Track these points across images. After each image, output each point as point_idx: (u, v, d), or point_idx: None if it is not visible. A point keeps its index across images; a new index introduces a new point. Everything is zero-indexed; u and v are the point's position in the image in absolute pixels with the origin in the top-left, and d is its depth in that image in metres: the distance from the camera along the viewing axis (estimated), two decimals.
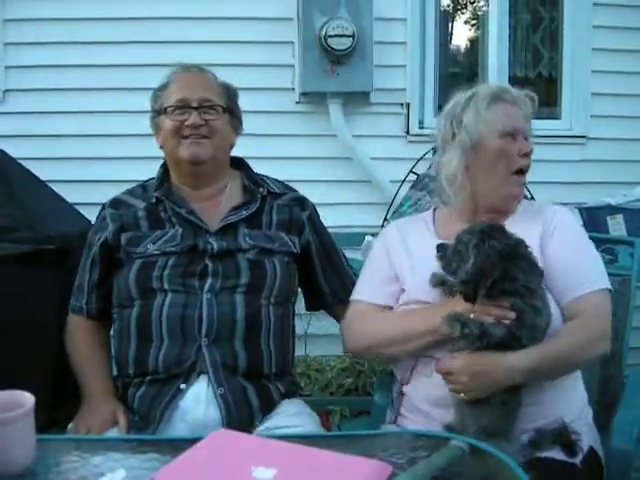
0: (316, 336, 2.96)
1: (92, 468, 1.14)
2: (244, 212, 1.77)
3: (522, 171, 1.65)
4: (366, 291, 1.73)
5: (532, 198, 2.44)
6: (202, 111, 1.75)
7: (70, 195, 2.63)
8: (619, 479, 1.60)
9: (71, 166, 3.21)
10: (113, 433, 1.58)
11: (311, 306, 1.98)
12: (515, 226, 1.57)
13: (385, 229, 1.82)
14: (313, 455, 1.03)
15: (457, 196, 1.67)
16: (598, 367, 1.87)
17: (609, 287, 1.60)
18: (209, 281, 1.67)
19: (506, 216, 1.68)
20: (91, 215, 1.94)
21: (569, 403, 1.60)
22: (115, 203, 1.83)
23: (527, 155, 1.64)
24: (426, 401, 1.59)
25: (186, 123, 1.73)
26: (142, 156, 1.99)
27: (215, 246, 1.70)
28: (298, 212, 1.84)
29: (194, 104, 1.75)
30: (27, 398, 1.18)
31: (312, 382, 3.05)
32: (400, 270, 1.70)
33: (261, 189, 1.83)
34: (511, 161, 1.62)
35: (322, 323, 2.62)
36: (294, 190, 1.90)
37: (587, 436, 1.56)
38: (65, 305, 1.87)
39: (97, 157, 3.24)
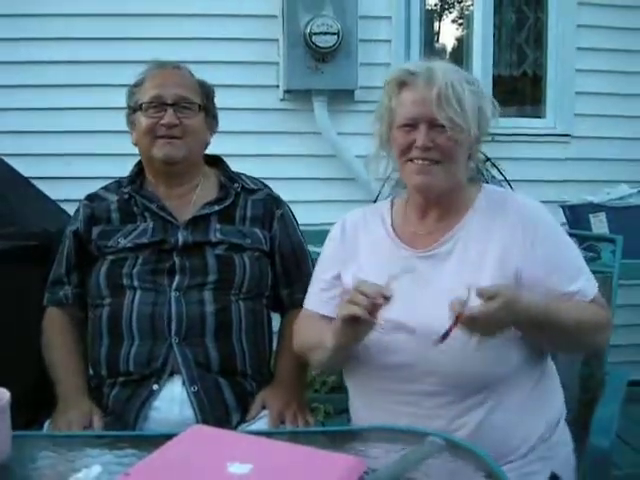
0: None
1: (68, 464, 1.14)
2: (216, 207, 1.77)
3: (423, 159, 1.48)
4: (311, 299, 1.65)
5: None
6: (177, 109, 1.73)
7: (53, 192, 2.61)
8: (599, 477, 1.61)
9: (54, 163, 3.19)
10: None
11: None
12: (474, 226, 1.52)
13: (336, 225, 1.67)
14: (289, 450, 1.03)
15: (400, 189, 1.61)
16: (579, 365, 1.88)
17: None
18: (177, 278, 1.67)
19: (461, 212, 1.55)
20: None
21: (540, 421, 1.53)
22: (90, 197, 1.84)
23: (425, 149, 1.46)
24: None
25: (161, 122, 1.72)
26: (126, 153, 1.98)
27: (180, 239, 1.70)
28: (272, 208, 1.83)
29: (169, 101, 1.73)
30: (2, 393, 1.17)
31: None
32: (343, 270, 1.60)
33: (236, 184, 1.83)
34: (407, 153, 1.49)
35: None
36: (270, 188, 1.89)
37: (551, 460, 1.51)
38: (41, 302, 1.86)
39: (81, 154, 3.22)
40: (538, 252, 1.47)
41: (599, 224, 2.78)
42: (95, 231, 1.75)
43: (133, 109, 1.79)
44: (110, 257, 1.71)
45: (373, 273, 1.45)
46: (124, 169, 1.89)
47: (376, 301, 1.31)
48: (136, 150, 1.85)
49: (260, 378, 1.73)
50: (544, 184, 3.33)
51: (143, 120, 1.75)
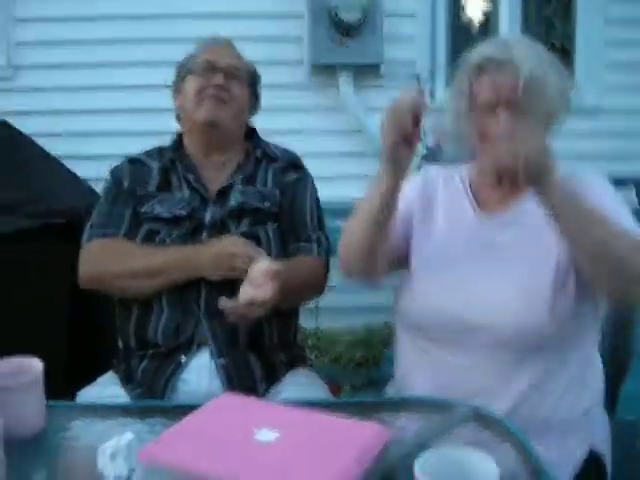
0: (327, 309, 2.97)
1: (100, 433, 1.16)
2: (240, 174, 1.79)
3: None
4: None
5: None
6: (228, 76, 1.77)
7: (79, 170, 2.64)
8: (625, 450, 1.60)
9: (79, 141, 3.23)
10: None
11: None
12: (530, 205, 1.48)
13: (414, 178, 1.67)
14: (316, 419, 1.04)
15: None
16: (608, 336, 1.86)
17: None
18: None
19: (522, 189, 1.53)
20: (99, 189, 1.94)
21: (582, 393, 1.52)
22: (132, 160, 1.85)
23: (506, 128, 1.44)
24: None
25: (212, 83, 1.75)
26: (149, 130, 2.01)
27: (209, 216, 1.72)
28: (290, 173, 1.84)
29: (221, 66, 1.78)
30: (36, 364, 1.20)
31: (323, 355, 3.07)
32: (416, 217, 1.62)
33: (257, 150, 1.84)
34: (487, 136, 1.49)
35: (333, 296, 2.63)
36: (297, 157, 1.89)
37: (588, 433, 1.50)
38: (74, 275, 1.86)
39: (104, 132, 3.25)
40: None
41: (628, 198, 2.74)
42: (135, 195, 1.77)
43: (182, 76, 1.82)
44: (145, 226, 1.72)
45: (446, 228, 1.54)
46: (146, 147, 1.91)
47: (417, 111, 1.34)
48: (159, 127, 1.86)
49: (288, 350, 1.75)
50: (574, 157, 3.28)
51: (193, 81, 1.78)
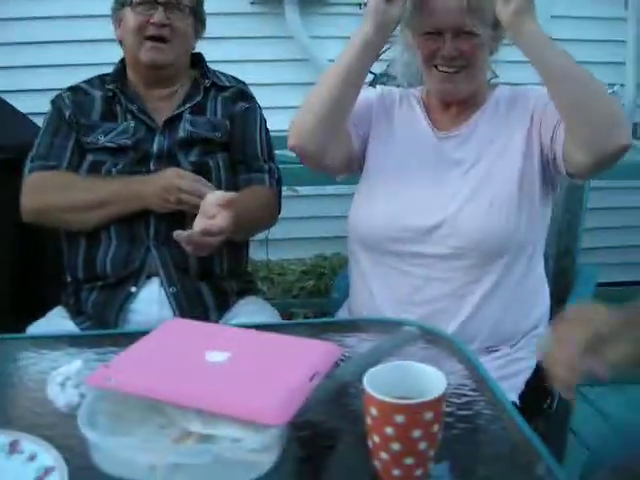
0: (277, 240, 2.97)
1: (49, 363, 1.16)
2: (188, 104, 1.75)
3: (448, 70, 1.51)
4: None
5: None
6: (168, 8, 1.68)
7: (19, 104, 2.55)
8: None
9: (20, 74, 3.11)
10: None
11: None
12: (484, 122, 1.56)
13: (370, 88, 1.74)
14: (267, 339, 1.06)
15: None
16: (552, 260, 1.91)
17: None
18: None
19: (474, 108, 1.59)
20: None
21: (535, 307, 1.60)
22: (73, 88, 1.79)
23: (452, 58, 1.49)
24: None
25: (151, 21, 1.67)
26: (92, 62, 1.95)
27: (156, 146, 1.69)
28: (239, 102, 1.80)
29: (161, 0, 1.68)
30: None
31: (274, 286, 3.09)
32: (374, 127, 1.65)
33: (206, 81, 1.80)
34: (431, 59, 1.51)
35: (283, 227, 2.63)
36: (245, 85, 1.86)
37: None
38: (19, 212, 1.82)
39: (45, 65, 3.13)
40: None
41: None
42: (77, 125, 1.72)
43: (121, 3, 1.73)
44: (90, 157, 1.69)
45: (405, 144, 1.57)
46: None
47: None
48: (96, 59, 1.79)
49: (239, 279, 1.75)
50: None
51: (131, 17, 1.69)
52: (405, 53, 1.64)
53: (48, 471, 0.86)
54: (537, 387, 1.47)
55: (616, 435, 1.35)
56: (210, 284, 1.67)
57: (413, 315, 1.46)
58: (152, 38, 1.68)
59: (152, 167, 1.67)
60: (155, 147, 1.69)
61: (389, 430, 0.82)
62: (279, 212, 1.82)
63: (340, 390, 1.04)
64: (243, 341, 1.05)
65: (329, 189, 3.06)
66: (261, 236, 2.49)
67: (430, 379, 0.87)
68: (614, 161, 1.40)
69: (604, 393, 2.64)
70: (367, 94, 1.66)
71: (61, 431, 0.94)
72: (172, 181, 1.58)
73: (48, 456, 0.88)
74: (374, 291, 1.56)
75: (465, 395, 1.07)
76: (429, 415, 0.82)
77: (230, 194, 1.48)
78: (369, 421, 0.85)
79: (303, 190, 2.87)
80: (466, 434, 0.97)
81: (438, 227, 1.49)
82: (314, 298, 3.08)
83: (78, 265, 1.68)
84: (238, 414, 0.85)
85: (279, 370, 0.95)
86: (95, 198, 1.63)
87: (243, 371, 0.95)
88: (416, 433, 0.82)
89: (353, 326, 1.33)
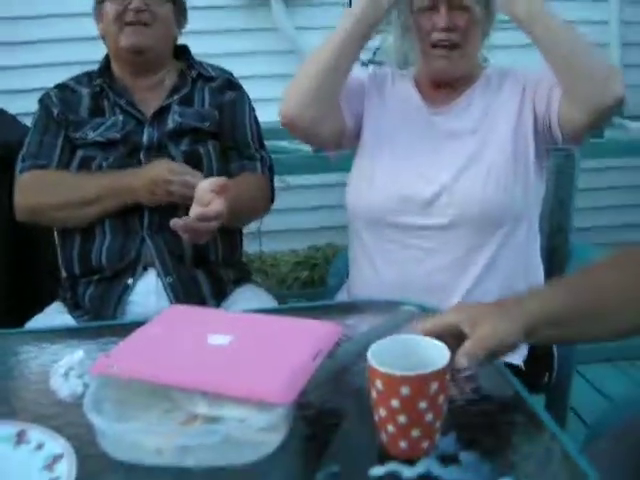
0: (269, 232, 2.98)
1: (50, 356, 1.16)
2: (175, 95, 1.76)
3: (444, 45, 1.54)
4: None
5: None
6: None
7: (10, 105, 2.54)
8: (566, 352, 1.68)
9: (5, 74, 3.10)
10: None
11: None
12: (476, 97, 1.59)
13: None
14: (268, 321, 1.06)
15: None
16: (545, 238, 1.92)
17: None
18: None
19: (465, 88, 1.62)
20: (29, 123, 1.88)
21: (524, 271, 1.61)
22: (60, 87, 1.79)
23: (446, 29, 1.52)
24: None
25: (129, 7, 1.67)
26: (78, 60, 1.95)
27: (145, 138, 1.69)
28: (226, 92, 1.81)
29: None
30: None
31: (268, 277, 3.09)
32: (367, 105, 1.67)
33: (192, 72, 1.80)
34: (427, 36, 1.54)
35: (275, 219, 2.63)
36: (231, 75, 1.86)
37: None
38: (11, 211, 1.82)
39: (30, 65, 3.12)
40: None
41: None
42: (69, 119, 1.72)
43: (100, 0, 1.74)
44: (80, 153, 1.69)
45: (398, 119, 1.59)
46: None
47: None
48: (82, 57, 1.79)
49: (234, 268, 1.76)
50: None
51: (110, 7, 1.70)
52: (397, 37, 1.65)
53: (56, 459, 0.86)
54: (537, 360, 1.50)
55: (615, 409, 1.36)
56: (206, 272, 1.67)
57: (416, 288, 1.48)
58: (132, 23, 1.69)
59: (142, 159, 1.67)
60: (145, 139, 1.69)
61: (395, 402, 0.83)
62: (272, 199, 1.83)
63: (342, 370, 1.05)
64: (244, 324, 1.05)
65: (320, 180, 3.07)
66: (254, 228, 2.50)
67: (433, 351, 0.88)
68: (610, 115, 1.47)
69: (603, 373, 2.67)
70: (358, 73, 1.68)
71: (66, 420, 0.94)
72: (160, 174, 1.58)
73: (56, 444, 0.88)
74: (377, 266, 1.59)
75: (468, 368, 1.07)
76: (434, 386, 0.83)
77: (223, 179, 1.48)
78: (374, 395, 0.85)
79: (294, 180, 2.88)
80: (471, 406, 0.98)
81: (436, 197, 1.52)
82: (308, 288, 3.08)
83: (73, 260, 1.68)
84: (244, 394, 0.86)
85: (282, 350, 0.95)
86: (87, 195, 1.63)
87: (246, 353, 0.95)
88: (422, 404, 0.83)
89: (352, 308, 1.34)
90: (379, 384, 0.84)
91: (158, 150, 1.68)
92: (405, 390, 0.82)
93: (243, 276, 1.79)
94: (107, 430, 0.86)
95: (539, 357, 1.53)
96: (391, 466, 0.84)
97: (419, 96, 1.64)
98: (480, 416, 0.96)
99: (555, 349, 1.62)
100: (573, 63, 1.41)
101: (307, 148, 2.51)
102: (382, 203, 1.56)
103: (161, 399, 0.93)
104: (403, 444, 0.85)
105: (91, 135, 1.69)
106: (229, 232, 1.71)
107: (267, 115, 1.89)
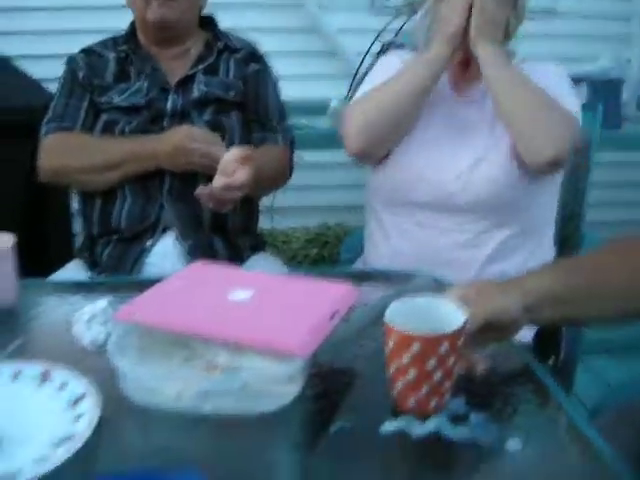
0: (281, 209, 3.00)
1: (72, 306, 1.18)
2: (200, 65, 1.78)
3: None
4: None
5: None
6: None
7: (33, 70, 2.58)
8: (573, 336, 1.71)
9: (32, 40, 3.11)
10: None
11: None
12: None
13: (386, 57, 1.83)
14: (287, 281, 1.09)
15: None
16: (557, 226, 1.94)
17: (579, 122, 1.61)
18: None
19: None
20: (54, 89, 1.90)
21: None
22: (87, 51, 1.81)
23: None
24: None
25: None
26: (103, 28, 1.96)
27: (170, 105, 1.71)
28: (251, 63, 1.83)
29: None
30: (7, 238, 1.20)
31: (279, 253, 3.11)
32: None
33: (219, 43, 1.82)
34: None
35: (287, 195, 2.65)
36: (253, 45, 1.88)
37: None
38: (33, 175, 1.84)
39: (57, 31, 3.13)
40: None
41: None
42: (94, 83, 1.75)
43: None
44: (104, 117, 1.71)
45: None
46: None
47: None
48: (108, 25, 1.84)
49: (250, 236, 1.79)
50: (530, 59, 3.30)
51: None
52: (426, 19, 1.65)
53: (80, 398, 0.89)
54: (544, 342, 1.52)
55: (614, 392, 1.39)
56: (223, 239, 1.70)
57: (431, 263, 1.51)
58: None
59: (165, 126, 1.69)
60: (169, 106, 1.71)
61: (405, 358, 0.86)
62: (291, 172, 1.85)
63: (356, 333, 1.08)
64: (264, 283, 1.08)
65: (335, 158, 3.07)
66: (266, 203, 2.52)
67: (449, 314, 0.91)
68: (552, 169, 1.55)
69: (608, 363, 2.69)
70: (392, 60, 1.71)
71: (88, 366, 0.96)
72: (184, 142, 1.59)
73: (79, 384, 0.91)
74: (393, 241, 1.63)
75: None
76: (445, 346, 0.86)
77: (248, 149, 1.51)
78: (387, 351, 0.88)
79: (309, 157, 2.89)
80: (486, 379, 0.99)
81: (455, 180, 1.56)
82: (318, 266, 3.10)
83: (93, 221, 1.71)
84: (264, 345, 0.89)
85: (301, 308, 0.98)
86: (110, 159, 1.65)
87: (266, 308, 0.98)
88: (431, 362, 0.86)
89: (367, 276, 1.36)
90: (391, 342, 0.87)
91: (181, 118, 1.70)
92: (415, 347, 0.85)
93: (259, 245, 1.82)
94: (129, 373, 0.90)
95: (546, 339, 1.55)
96: (402, 423, 0.87)
97: (445, 80, 1.66)
98: (489, 385, 0.98)
99: (564, 332, 1.65)
100: (512, 120, 1.51)
101: (323, 124, 2.54)
102: (402, 183, 1.60)
103: (182, 348, 0.96)
104: (412, 400, 0.88)
105: (116, 100, 1.71)
106: (247, 201, 1.73)
107: (286, 92, 1.91)
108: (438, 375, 0.87)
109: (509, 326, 0.98)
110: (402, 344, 0.86)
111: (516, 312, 0.96)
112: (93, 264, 1.69)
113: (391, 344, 0.88)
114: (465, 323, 0.89)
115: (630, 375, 2.58)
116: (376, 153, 1.62)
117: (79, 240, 1.81)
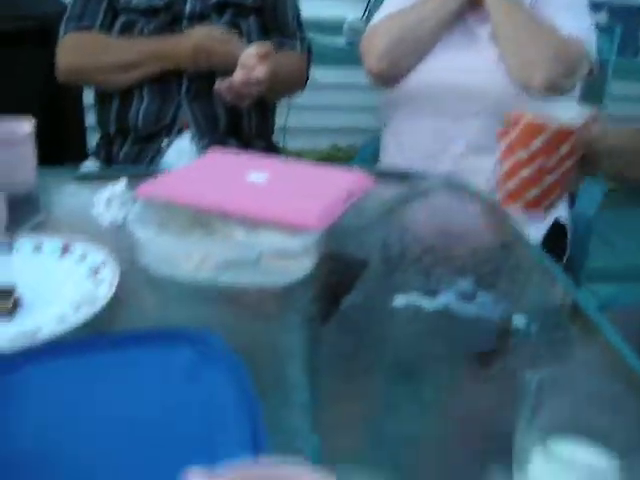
0: (294, 129, 2.99)
1: (91, 191, 1.20)
2: None
3: None
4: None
5: None
6: None
7: None
8: (580, 243, 1.73)
9: None
10: None
11: None
12: None
13: None
14: (302, 166, 1.11)
15: None
16: None
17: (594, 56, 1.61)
18: None
19: None
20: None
21: None
22: None
23: None
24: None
25: None
26: None
27: (188, 7, 1.70)
28: None
29: None
30: (27, 124, 1.22)
31: None
32: None
33: None
34: None
35: (301, 115, 2.65)
36: None
37: None
38: (51, 82, 1.83)
39: None
40: None
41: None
42: None
43: None
44: (122, 18, 1.70)
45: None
46: None
47: None
48: None
49: (266, 140, 1.81)
50: None
51: None
52: None
53: (100, 267, 0.92)
54: (551, 243, 1.56)
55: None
56: (238, 140, 1.71)
57: (442, 169, 1.55)
58: None
59: (184, 28, 1.69)
60: (187, 8, 1.70)
61: (526, 152, 0.86)
62: (307, 79, 1.86)
63: (368, 225, 1.10)
64: (281, 167, 1.10)
65: (348, 79, 3.05)
66: (279, 124, 2.51)
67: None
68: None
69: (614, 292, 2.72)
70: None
71: (107, 240, 0.98)
72: (204, 42, 1.61)
73: (98, 254, 0.94)
74: (405, 145, 1.65)
75: None
76: (567, 145, 0.85)
77: (268, 46, 1.52)
78: (505, 146, 0.90)
79: (321, 78, 2.87)
80: (494, 263, 1.03)
81: (470, 85, 1.57)
82: None
83: (110, 121, 1.72)
84: (280, 219, 0.91)
85: (316, 188, 1.00)
86: (130, 59, 1.65)
87: (282, 188, 1.00)
88: (553, 158, 0.86)
89: (379, 174, 1.38)
90: (516, 131, 0.86)
91: (200, 20, 1.69)
92: (542, 138, 0.84)
93: (274, 150, 1.84)
94: (149, 244, 0.92)
95: (554, 240, 1.59)
96: (412, 298, 0.90)
97: None
98: (501, 271, 1.01)
99: (569, 231, 1.68)
100: (503, 43, 1.53)
101: (338, 41, 2.52)
102: (417, 85, 1.61)
103: (201, 226, 0.98)
104: (524, 198, 0.89)
105: (135, 1, 1.70)
106: (262, 105, 1.74)
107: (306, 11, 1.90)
108: (554, 175, 0.86)
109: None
110: (529, 134, 0.85)
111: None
112: (109, 163, 1.71)
113: (514, 135, 0.86)
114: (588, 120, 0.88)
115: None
116: (397, 74, 1.62)
117: (94, 140, 1.82)
